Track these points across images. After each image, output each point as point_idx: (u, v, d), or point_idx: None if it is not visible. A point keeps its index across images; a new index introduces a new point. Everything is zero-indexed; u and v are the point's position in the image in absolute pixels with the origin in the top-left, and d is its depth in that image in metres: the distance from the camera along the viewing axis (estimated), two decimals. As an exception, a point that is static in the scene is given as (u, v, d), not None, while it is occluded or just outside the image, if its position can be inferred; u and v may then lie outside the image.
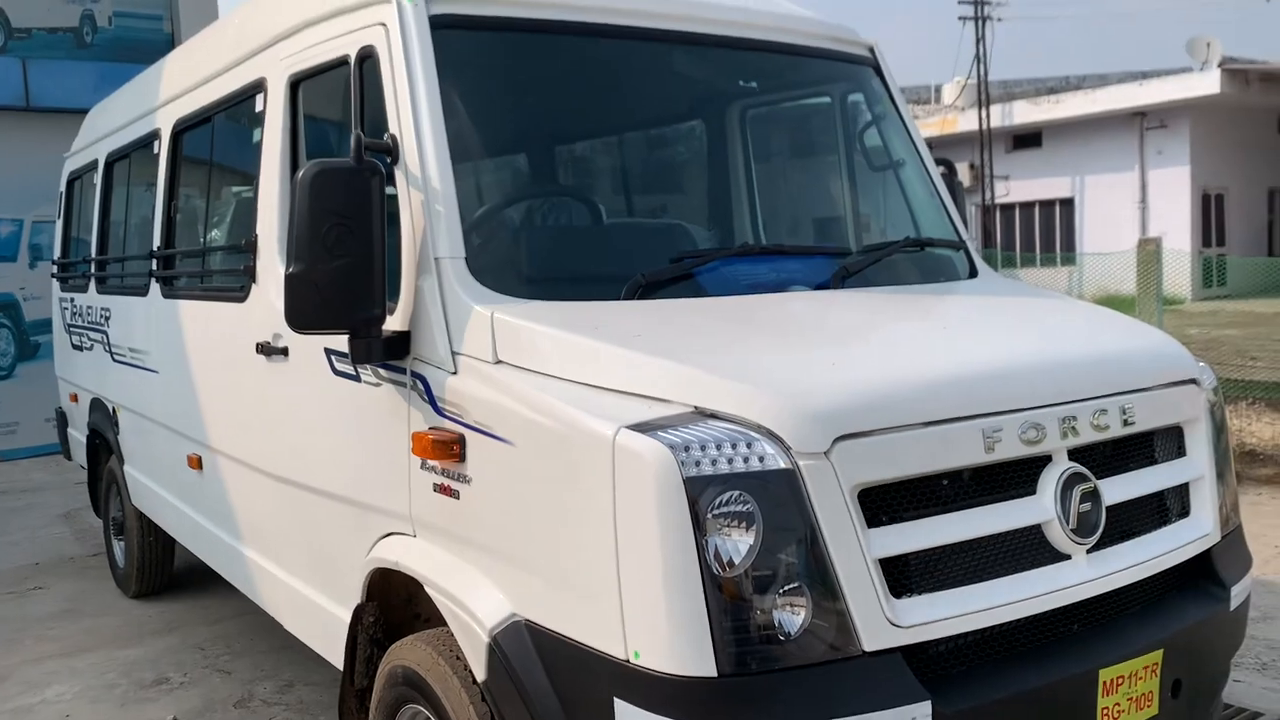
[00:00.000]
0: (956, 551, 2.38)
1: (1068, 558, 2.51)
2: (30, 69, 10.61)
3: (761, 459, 2.17)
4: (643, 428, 2.19)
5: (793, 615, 2.16)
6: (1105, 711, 2.47)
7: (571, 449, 2.30)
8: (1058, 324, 3.11)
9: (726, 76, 3.56)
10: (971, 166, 29.19)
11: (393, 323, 2.87)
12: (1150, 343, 3.01)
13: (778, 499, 2.16)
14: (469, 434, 2.63)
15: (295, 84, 3.57)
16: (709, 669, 2.11)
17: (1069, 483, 2.50)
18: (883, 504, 2.29)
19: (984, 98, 28.69)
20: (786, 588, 2.16)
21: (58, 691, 5.00)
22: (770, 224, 3.73)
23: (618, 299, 2.81)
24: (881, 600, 2.21)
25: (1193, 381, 2.93)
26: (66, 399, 7.25)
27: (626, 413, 2.27)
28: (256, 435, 3.86)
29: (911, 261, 3.59)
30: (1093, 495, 2.53)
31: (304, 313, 2.68)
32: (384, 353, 2.79)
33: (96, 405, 6.40)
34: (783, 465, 2.17)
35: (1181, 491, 2.89)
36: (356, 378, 3.10)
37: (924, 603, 2.29)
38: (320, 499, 3.41)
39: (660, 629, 2.14)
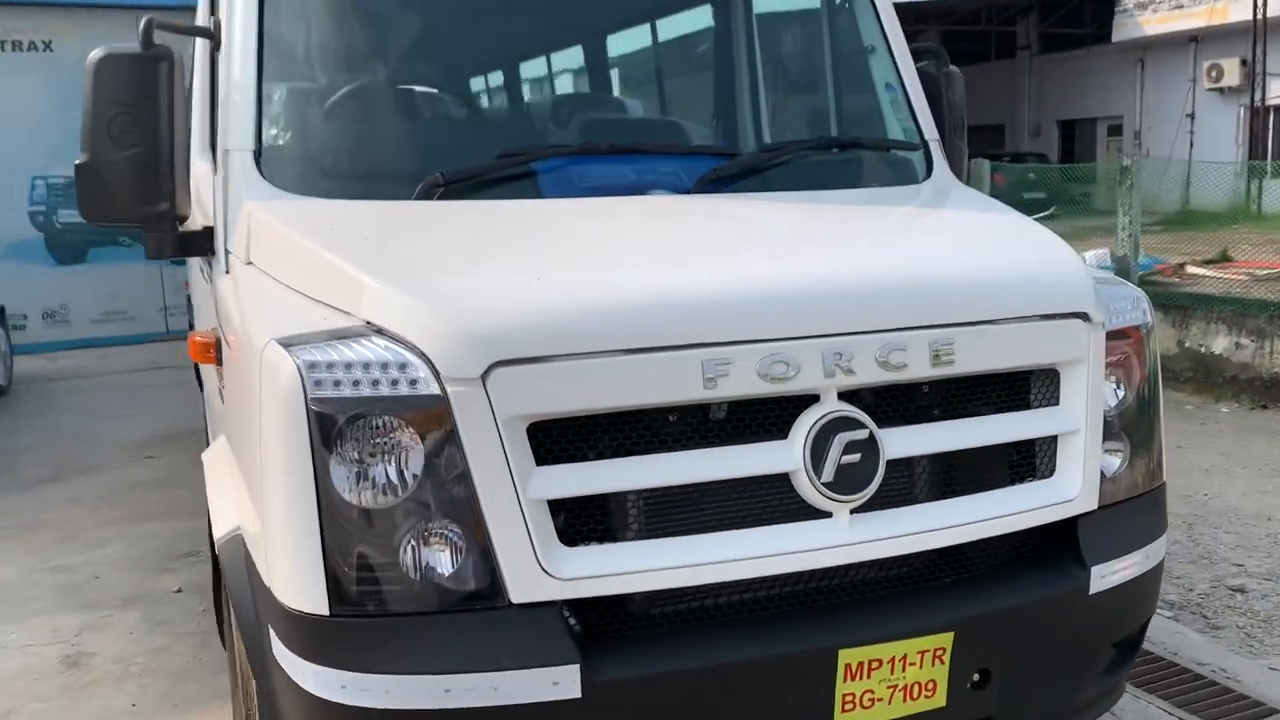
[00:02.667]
0: (664, 496, 2.06)
1: (826, 516, 2.13)
2: (209, -31, 11.15)
3: (414, 383, 1.94)
4: (290, 341, 2.00)
5: (427, 555, 1.95)
6: (849, 699, 2.11)
7: (250, 358, 2.15)
8: (917, 241, 2.62)
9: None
10: (1243, 63, 25.91)
11: (208, 218, 2.78)
12: (1025, 268, 2.47)
13: (420, 427, 1.93)
14: (223, 337, 2.53)
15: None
16: (321, 607, 1.94)
17: (829, 429, 2.10)
18: (569, 437, 2.01)
19: (1262, -18, 25.18)
20: (423, 524, 1.94)
21: (104, 554, 5.42)
22: (667, 120, 3.34)
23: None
24: (538, 548, 1.95)
25: (1081, 316, 2.39)
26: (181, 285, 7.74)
27: (298, 323, 2.08)
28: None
29: (842, 163, 3.14)
30: (866, 445, 2.11)
31: (91, 205, 2.62)
32: (177, 248, 2.71)
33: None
34: (430, 392, 1.93)
35: (1043, 446, 2.39)
36: (202, 275, 3.05)
37: (601, 554, 2.01)
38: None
39: (280, 559, 1.99)
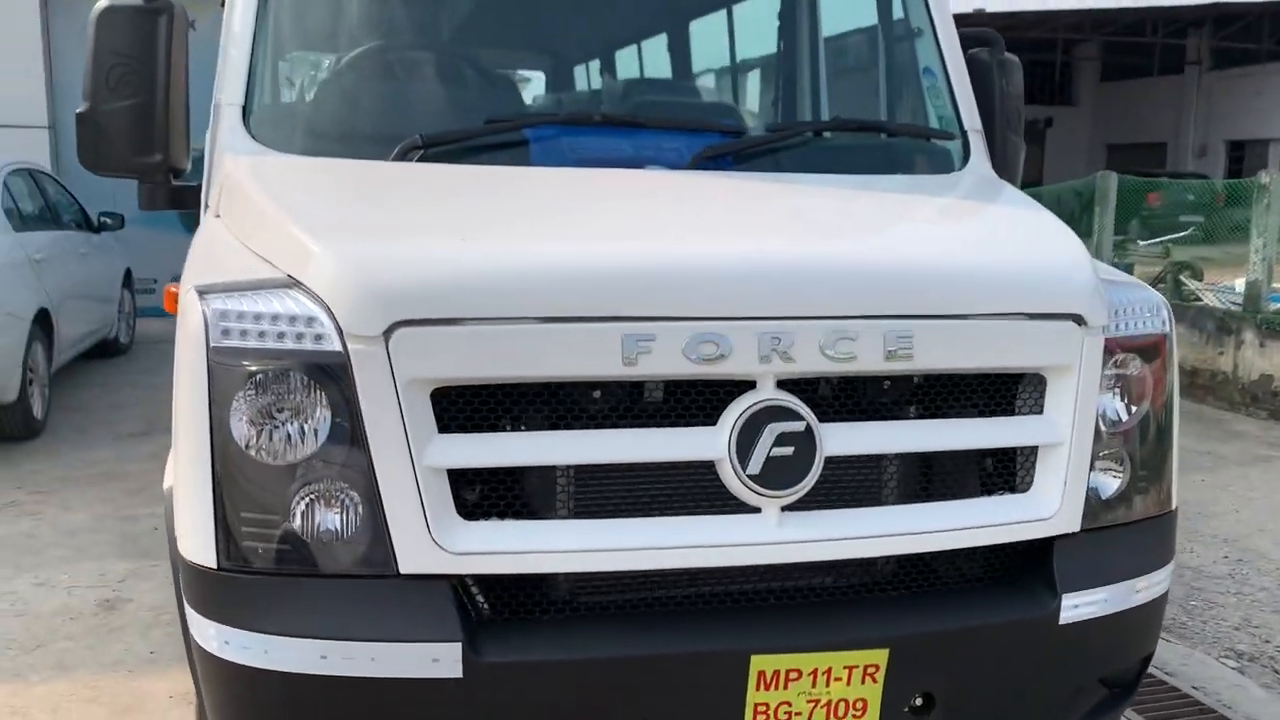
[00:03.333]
0: (578, 475, 1.96)
1: (755, 511, 1.98)
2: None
3: (319, 339, 1.89)
4: (208, 288, 1.97)
5: (318, 516, 1.89)
6: (762, 709, 1.95)
7: (181, 309, 2.13)
8: (893, 229, 2.42)
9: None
10: None
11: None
12: (1014, 261, 2.25)
13: (318, 383, 1.87)
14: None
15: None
16: (211, 560, 1.90)
17: (760, 418, 1.95)
18: (474, 406, 1.92)
19: None
20: (314, 484, 1.88)
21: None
22: (677, 97, 3.19)
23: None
24: (430, 518, 1.87)
25: (1074, 318, 2.17)
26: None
27: (226, 273, 2.05)
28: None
29: (864, 148, 2.96)
30: (802, 439, 1.96)
31: (88, 153, 2.67)
32: (169, 201, 2.73)
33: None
34: (330, 348, 1.87)
35: (1021, 457, 2.18)
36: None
37: (499, 530, 1.91)
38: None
39: (180, 510, 1.97)
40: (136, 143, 2.63)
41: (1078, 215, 11.60)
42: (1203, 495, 6.04)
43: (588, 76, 3.28)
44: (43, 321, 7.08)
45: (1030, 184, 7.30)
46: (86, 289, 8.47)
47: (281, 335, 1.89)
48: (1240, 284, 9.02)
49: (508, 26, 3.04)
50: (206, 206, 2.62)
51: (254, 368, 1.88)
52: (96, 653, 3.96)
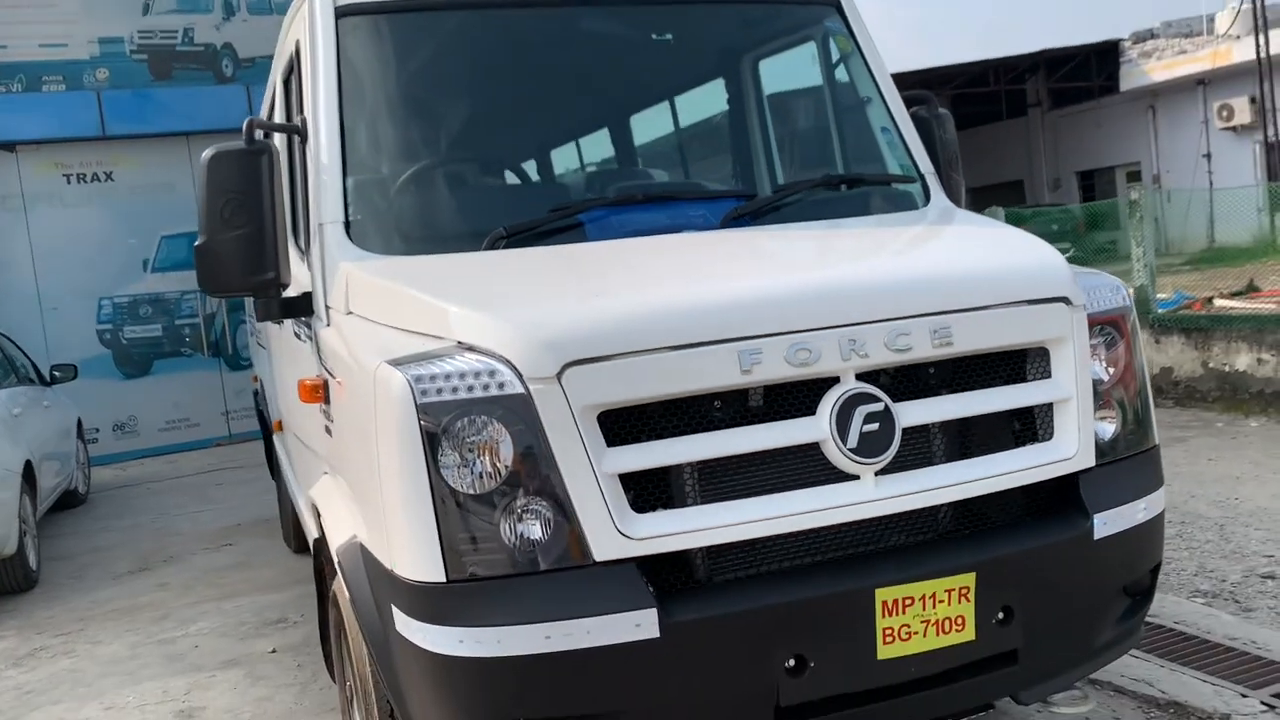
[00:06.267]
0: (716, 468, 2.44)
1: (855, 478, 2.50)
2: (254, 94, 11.94)
3: (502, 385, 2.35)
4: (399, 361, 2.42)
5: (524, 526, 2.33)
6: (889, 632, 2.45)
7: (362, 383, 2.57)
8: (915, 248, 3.01)
9: (643, 34, 3.65)
10: (1252, 101, 26.38)
11: (304, 284, 3.24)
12: (1010, 262, 2.86)
13: (509, 421, 2.33)
14: (330, 378, 2.96)
15: (285, 80, 4.02)
16: (439, 576, 2.32)
17: (850, 403, 2.48)
18: (632, 422, 2.40)
19: (1261, 22, 25.76)
20: (518, 501, 2.33)
21: (199, 627, 5.82)
22: (693, 174, 3.79)
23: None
24: (614, 514, 2.33)
25: (1062, 300, 2.77)
26: (250, 381, 8.28)
27: (401, 349, 2.50)
28: (282, 396, 4.38)
29: (850, 197, 3.57)
30: (883, 416, 2.50)
31: (209, 279, 3.07)
32: (282, 311, 3.15)
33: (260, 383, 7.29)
34: (515, 391, 2.34)
35: (1041, 413, 2.75)
36: (298, 336, 3.50)
37: (666, 517, 2.38)
38: (303, 447, 3.86)
39: (401, 541, 2.38)
40: (250, 265, 3.02)
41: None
42: (1137, 476, 6.75)
43: (611, 166, 3.86)
44: (27, 474, 7.23)
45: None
46: (54, 441, 8.59)
47: (471, 387, 2.35)
48: (1122, 295, 9.96)
49: (544, 133, 3.58)
50: (329, 308, 3.05)
51: (456, 415, 2.33)
52: (194, 756, 4.20)
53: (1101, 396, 2.86)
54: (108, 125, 11.79)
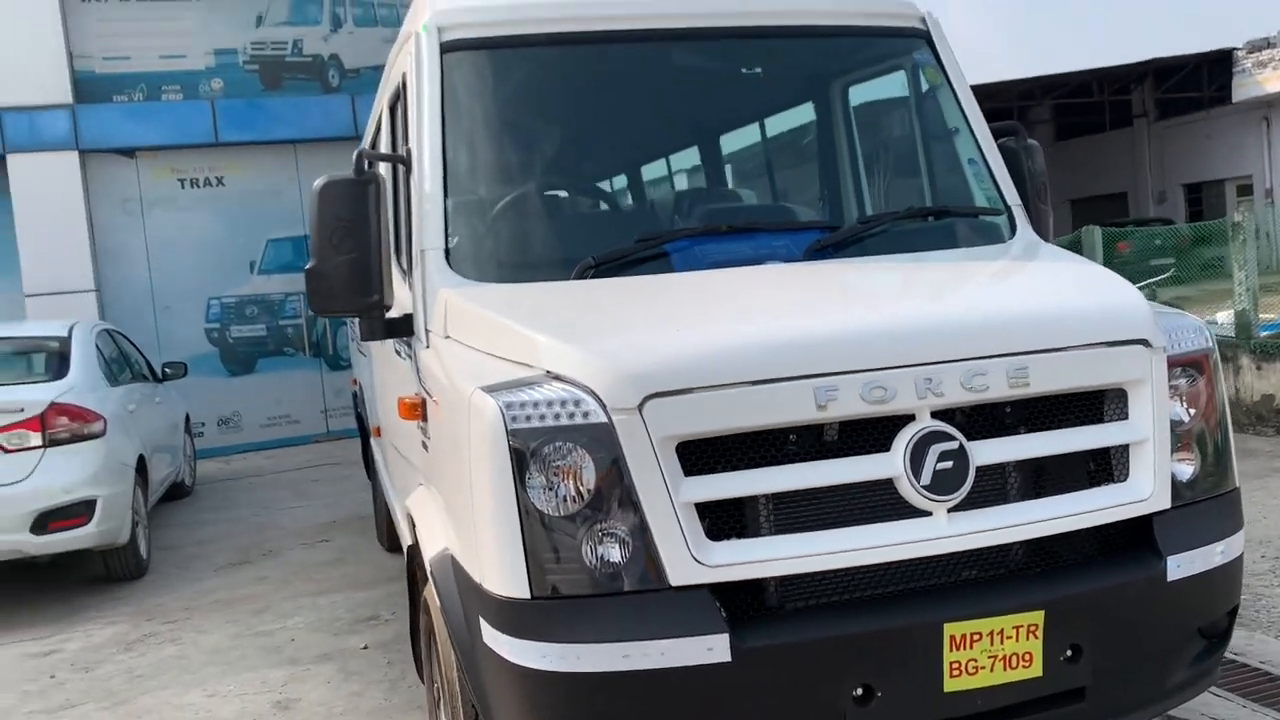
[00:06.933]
0: (790, 499, 2.54)
1: (927, 515, 2.57)
2: (359, 104, 12.36)
3: (586, 415, 2.48)
4: (492, 388, 2.57)
5: (604, 549, 2.46)
6: (956, 666, 2.51)
7: (457, 406, 2.73)
8: (994, 286, 3.05)
9: (732, 67, 3.76)
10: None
11: (405, 305, 3.42)
12: (1089, 303, 2.89)
13: (593, 448, 2.46)
14: (428, 397, 3.13)
15: (392, 107, 4.23)
16: (524, 592, 2.46)
17: (924, 441, 2.55)
18: (709, 454, 2.51)
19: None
20: (599, 524, 2.46)
21: (296, 621, 6.10)
22: (779, 203, 3.87)
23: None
24: (689, 541, 2.44)
25: (1142, 342, 2.80)
26: (349, 383, 8.60)
27: (493, 376, 2.66)
28: (381, 404, 4.60)
29: (934, 229, 3.62)
30: (957, 454, 2.56)
31: (319, 300, 3.26)
32: (385, 331, 3.33)
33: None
34: (599, 420, 2.47)
35: (1117, 454, 2.78)
36: (399, 354, 3.69)
37: (740, 546, 2.48)
38: (400, 457, 4.05)
39: (490, 556, 2.53)
40: (357, 288, 3.21)
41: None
42: (1231, 507, 6.61)
43: (699, 194, 3.98)
44: (140, 468, 7.63)
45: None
46: (164, 436, 9.03)
47: (558, 415, 2.48)
48: (1222, 317, 9.73)
49: (634, 161, 3.71)
50: (429, 331, 3.22)
51: (543, 441, 2.47)
52: (289, 744, 4.43)
53: (1180, 438, 2.88)
54: (220, 132, 12.32)
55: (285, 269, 12.73)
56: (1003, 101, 28.86)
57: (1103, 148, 32.99)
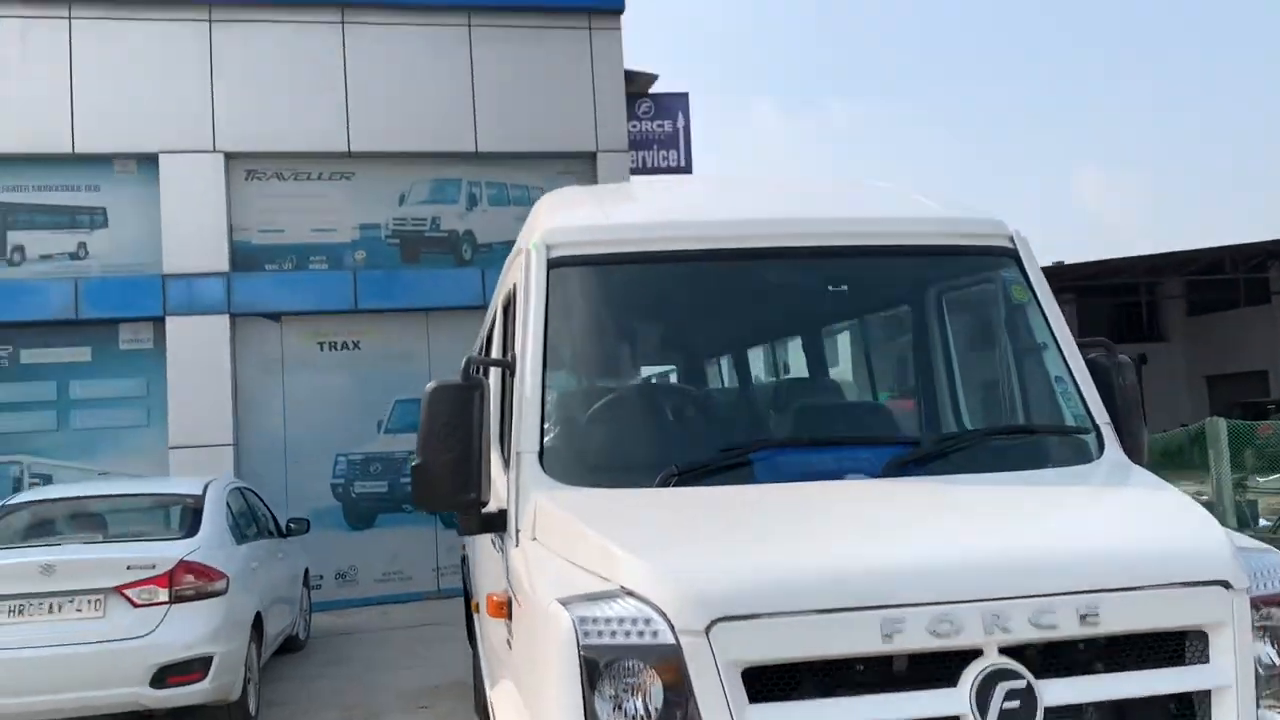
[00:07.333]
0: None
1: None
2: (488, 276, 13.03)
3: (655, 634, 2.59)
4: (567, 600, 2.71)
5: None
6: None
7: (536, 613, 2.87)
8: (1069, 517, 3.07)
9: (822, 285, 3.95)
10: None
11: (502, 499, 3.63)
12: (1167, 540, 2.89)
13: (660, 669, 2.56)
14: (513, 597, 3.28)
15: (505, 308, 4.55)
16: None
17: (991, 679, 2.56)
18: (774, 680, 2.57)
19: None
20: None
21: (387, 791, 6.17)
22: (864, 413, 3.98)
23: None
24: None
25: (1222, 584, 2.77)
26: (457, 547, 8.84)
27: (571, 588, 2.79)
28: (478, 585, 4.76)
29: (1017, 447, 3.67)
30: (1025, 694, 2.56)
31: (422, 495, 3.49)
32: (480, 526, 3.52)
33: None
34: (667, 641, 2.57)
35: (1199, 700, 2.73)
36: (494, 546, 3.87)
37: (802, 776, 2.52)
38: (490, 642, 4.18)
39: None
40: (456, 485, 3.42)
41: (1187, 449, 12.00)
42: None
43: (784, 402, 4.14)
44: (256, 623, 7.92)
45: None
46: (282, 590, 9.37)
47: (628, 633, 2.60)
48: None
49: (722, 366, 3.91)
50: (519, 530, 3.39)
51: (614, 659, 2.58)
52: None
53: (1269, 683, 2.80)
54: (360, 300, 13.13)
55: (411, 428, 13.19)
56: (1129, 277, 28.46)
57: (1239, 323, 31.99)
